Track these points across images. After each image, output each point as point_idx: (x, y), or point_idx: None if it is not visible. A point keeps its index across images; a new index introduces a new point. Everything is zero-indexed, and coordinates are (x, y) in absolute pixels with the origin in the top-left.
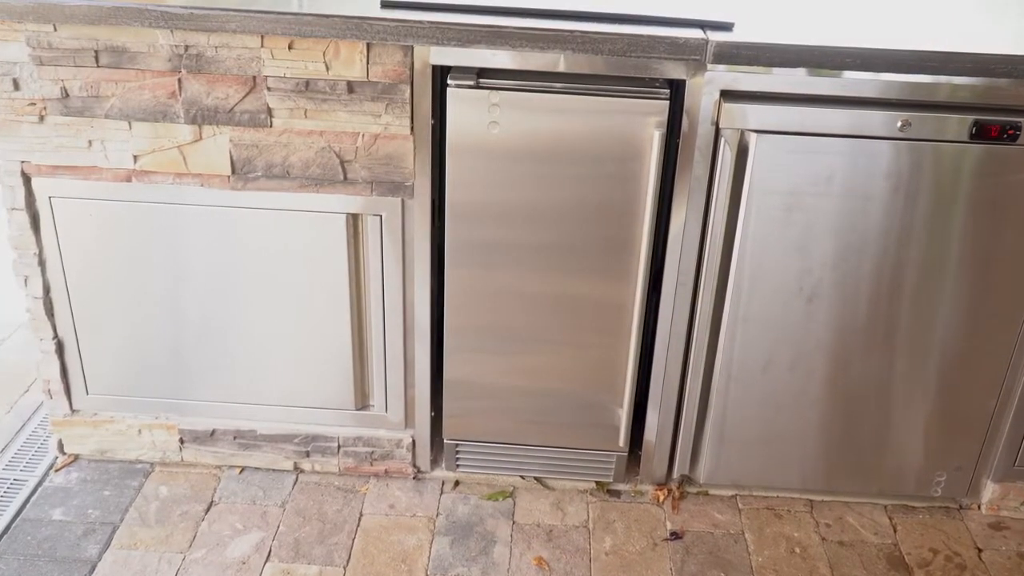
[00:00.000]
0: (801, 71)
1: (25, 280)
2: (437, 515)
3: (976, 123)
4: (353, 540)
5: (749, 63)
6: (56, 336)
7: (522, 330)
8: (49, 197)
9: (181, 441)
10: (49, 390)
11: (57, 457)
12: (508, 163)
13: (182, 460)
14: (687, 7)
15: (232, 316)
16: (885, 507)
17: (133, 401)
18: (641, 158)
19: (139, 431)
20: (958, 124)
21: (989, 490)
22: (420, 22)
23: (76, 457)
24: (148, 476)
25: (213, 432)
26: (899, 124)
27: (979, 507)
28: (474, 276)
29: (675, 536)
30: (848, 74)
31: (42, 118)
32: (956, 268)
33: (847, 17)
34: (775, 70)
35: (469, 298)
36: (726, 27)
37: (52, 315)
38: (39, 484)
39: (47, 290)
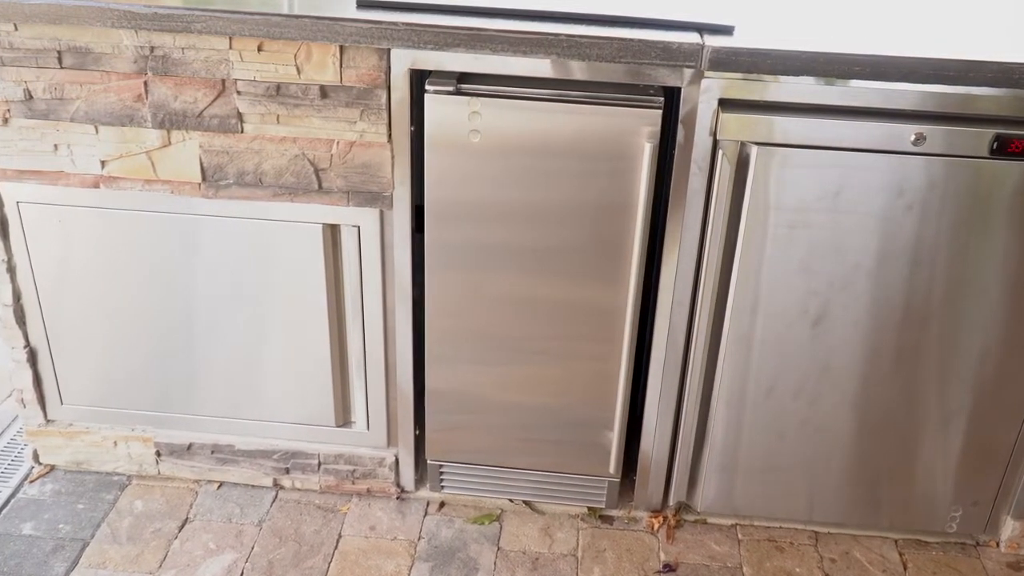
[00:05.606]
0: (807, 79)
1: None
2: (419, 538)
3: (997, 137)
4: (329, 564)
5: (749, 70)
6: (28, 344)
7: (507, 339)
8: (17, 202)
9: (158, 454)
10: (22, 399)
11: (33, 467)
12: (490, 173)
13: (159, 473)
14: (687, 9)
15: (209, 327)
16: (896, 542)
17: (109, 412)
18: (633, 170)
19: (115, 443)
20: (977, 138)
21: (1009, 527)
22: (395, 24)
23: (52, 468)
24: (124, 489)
25: (190, 446)
26: (913, 138)
27: (997, 544)
28: (455, 280)
29: (668, 569)
30: (858, 83)
31: (6, 120)
32: (973, 292)
33: (858, 21)
34: (778, 78)
35: (449, 303)
36: (726, 31)
37: (23, 323)
38: (12, 495)
39: (17, 297)
